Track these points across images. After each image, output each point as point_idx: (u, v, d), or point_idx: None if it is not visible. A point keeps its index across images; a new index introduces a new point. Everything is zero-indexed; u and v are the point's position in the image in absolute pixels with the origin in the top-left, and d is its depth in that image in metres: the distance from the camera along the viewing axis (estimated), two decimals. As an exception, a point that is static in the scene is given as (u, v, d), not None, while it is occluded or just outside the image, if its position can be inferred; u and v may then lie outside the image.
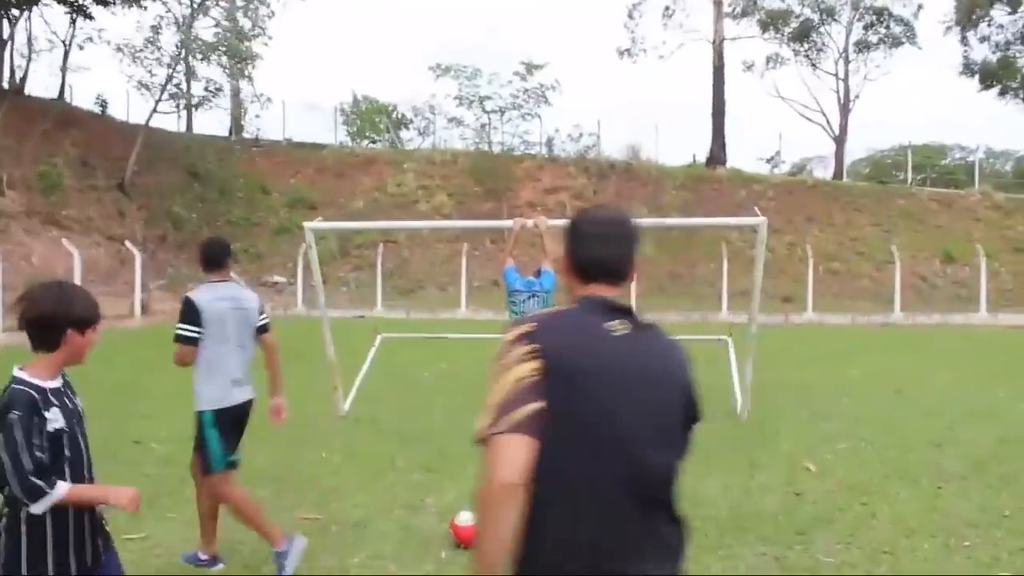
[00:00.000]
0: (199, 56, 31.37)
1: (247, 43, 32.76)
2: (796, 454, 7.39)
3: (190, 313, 4.69)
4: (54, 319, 2.81)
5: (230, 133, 38.74)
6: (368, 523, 5.56)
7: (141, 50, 30.33)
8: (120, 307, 22.29)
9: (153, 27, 30.50)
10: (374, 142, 41.52)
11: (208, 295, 4.76)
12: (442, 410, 9.72)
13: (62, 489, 2.71)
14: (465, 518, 5.15)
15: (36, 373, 2.79)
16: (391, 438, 8.28)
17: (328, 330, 9.10)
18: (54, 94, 32.91)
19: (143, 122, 31.46)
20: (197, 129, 37.96)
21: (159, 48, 30.57)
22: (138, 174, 31.07)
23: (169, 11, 31.41)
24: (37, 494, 2.67)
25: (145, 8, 31.05)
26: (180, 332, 4.72)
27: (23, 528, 2.73)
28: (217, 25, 32.52)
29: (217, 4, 32.86)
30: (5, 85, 30.03)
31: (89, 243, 26.69)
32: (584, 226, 2.18)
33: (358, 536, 5.31)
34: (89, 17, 31.83)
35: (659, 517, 2.07)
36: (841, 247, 30.44)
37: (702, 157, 35.65)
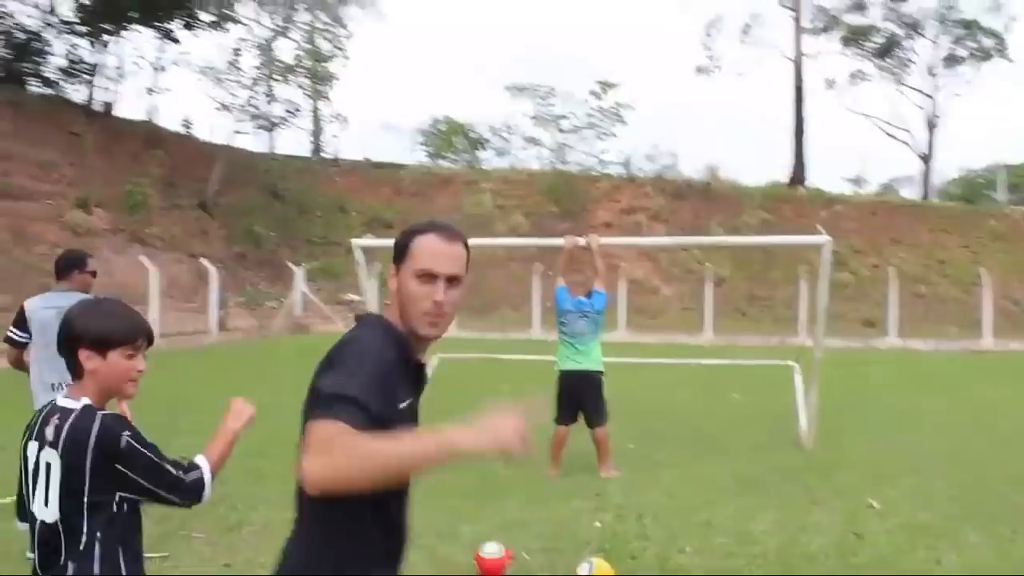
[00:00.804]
0: (278, 78, 32.06)
1: (325, 64, 33.40)
2: (860, 489, 6.90)
3: (18, 318, 4.91)
4: (65, 338, 2.40)
5: (311, 154, 39.53)
6: (395, 551, 5.34)
7: (223, 72, 31.19)
8: (199, 323, 22.76)
9: (235, 50, 31.32)
10: (454, 163, 41.80)
11: (40, 303, 4.91)
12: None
13: (205, 463, 2.43)
14: (490, 550, 4.91)
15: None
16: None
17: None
18: (139, 115, 34.04)
19: (226, 142, 32.31)
20: (279, 149, 38.88)
21: (240, 70, 31.37)
22: (220, 193, 31.84)
23: (251, 34, 32.24)
24: (198, 487, 2.39)
25: (228, 31, 31.92)
26: (6, 335, 4.95)
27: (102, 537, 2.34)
28: (298, 47, 33.22)
29: (297, 26, 33.64)
30: (96, 108, 31.14)
31: (171, 260, 27.38)
32: None
33: (382, 565, 5.10)
34: (175, 41, 32.89)
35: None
36: (927, 269, 29.26)
37: (782, 176, 34.82)
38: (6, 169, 24.03)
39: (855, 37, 35.45)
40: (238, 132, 32.40)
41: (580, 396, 7.51)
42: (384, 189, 36.31)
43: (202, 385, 12.77)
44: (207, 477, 2.41)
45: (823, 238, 7.79)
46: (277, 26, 32.92)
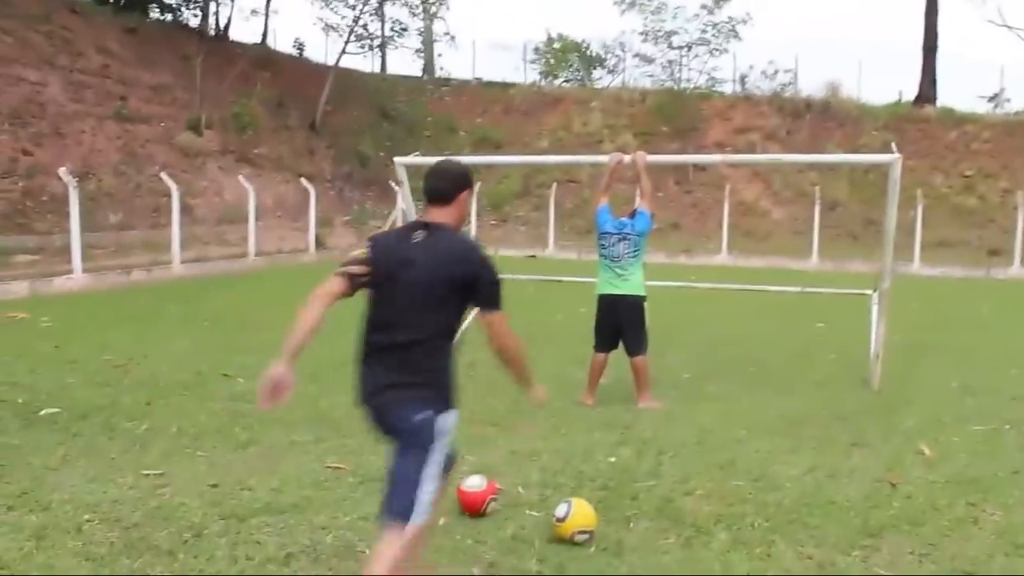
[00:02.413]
0: (386, -4, 31.78)
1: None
2: (917, 434, 6.27)
3: None
4: None
5: (422, 73, 39.36)
6: (388, 479, 5.15)
7: (333, -7, 31.09)
8: (301, 241, 23.16)
9: (341, -31, 31.10)
10: (567, 81, 40.82)
11: None
12: (551, 358, 9.18)
13: None
14: (472, 483, 4.64)
15: None
16: (477, 385, 7.83)
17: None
18: (253, 38, 34.41)
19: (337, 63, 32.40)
20: (390, 69, 38.82)
21: (347, -11, 31.20)
22: (330, 114, 32.09)
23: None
24: None
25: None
26: None
27: None
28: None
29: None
30: (210, 32, 31.66)
31: (279, 180, 27.93)
32: (428, 171, 3.55)
33: (367, 492, 4.91)
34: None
35: (416, 351, 3.30)
36: (1068, 195, 26.86)
37: (910, 95, 32.33)
38: (123, 93, 24.76)
39: (1001, -62, 32.23)
40: (345, 52, 32.33)
41: (619, 323, 7.11)
42: (494, 108, 35.92)
43: (279, 303, 12.92)
44: None
45: (892, 156, 7.00)
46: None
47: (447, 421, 3.30)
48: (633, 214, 7.26)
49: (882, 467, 5.48)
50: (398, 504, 3.16)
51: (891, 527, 4.48)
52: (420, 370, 3.27)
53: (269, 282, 16.06)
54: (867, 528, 4.46)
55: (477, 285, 3.28)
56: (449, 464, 3.49)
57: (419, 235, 3.36)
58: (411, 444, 3.20)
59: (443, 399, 3.32)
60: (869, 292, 8.86)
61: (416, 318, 3.27)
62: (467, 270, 3.28)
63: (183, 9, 32.96)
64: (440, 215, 3.42)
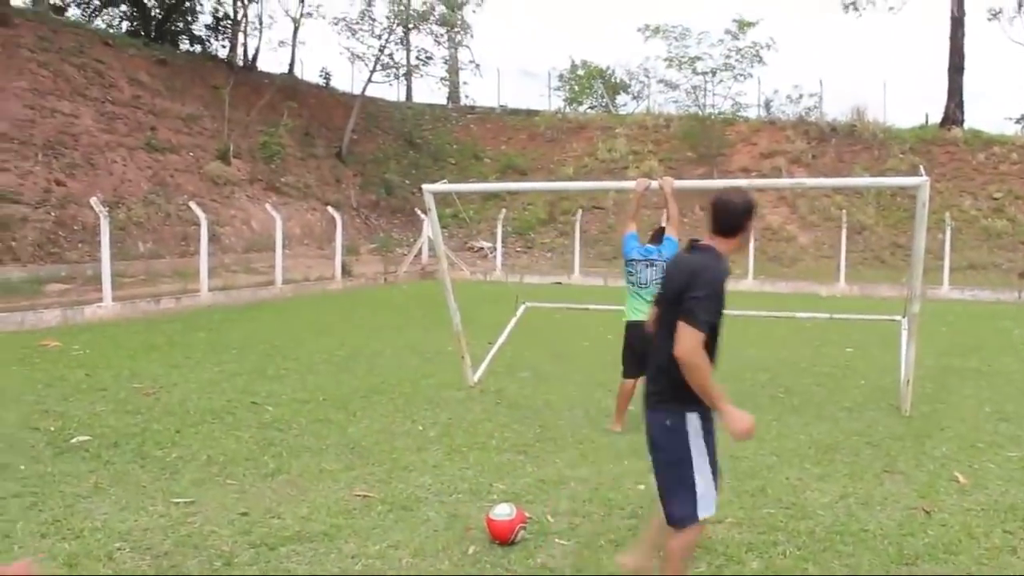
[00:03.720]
0: (411, 26, 32.12)
1: (458, 12, 33.19)
2: (951, 460, 6.18)
3: None
4: None
5: (447, 101, 39.69)
6: (417, 506, 5.15)
7: (357, 23, 31.49)
8: (328, 269, 23.29)
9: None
10: (591, 108, 40.96)
11: None
12: (577, 385, 9.17)
13: None
14: (501, 512, 4.62)
15: None
16: (504, 413, 7.84)
17: (452, 297, 8.76)
18: (281, 68, 34.86)
19: (363, 92, 32.73)
20: (416, 98, 39.20)
21: (372, 20, 31.59)
22: (356, 142, 32.46)
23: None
24: None
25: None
26: None
27: None
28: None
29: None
30: (238, 62, 32.14)
31: (306, 208, 28.21)
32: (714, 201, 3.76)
33: (397, 520, 4.92)
34: (317, -8, 33.33)
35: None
36: (1102, 217, 26.48)
37: (936, 117, 32.11)
38: (153, 123, 25.16)
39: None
40: (371, 81, 32.68)
41: (646, 349, 7.05)
42: (519, 136, 36.15)
43: (305, 331, 12.99)
44: None
45: (920, 179, 6.94)
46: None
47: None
48: (656, 238, 7.26)
49: (915, 494, 5.41)
50: None
51: (926, 556, 4.42)
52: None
53: (296, 310, 16.16)
54: (902, 557, 4.40)
55: (683, 292, 3.59)
56: None
57: (688, 251, 3.82)
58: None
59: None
60: (898, 318, 8.76)
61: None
62: (684, 280, 3.62)
63: (212, 41, 33.64)
64: (719, 243, 3.72)
